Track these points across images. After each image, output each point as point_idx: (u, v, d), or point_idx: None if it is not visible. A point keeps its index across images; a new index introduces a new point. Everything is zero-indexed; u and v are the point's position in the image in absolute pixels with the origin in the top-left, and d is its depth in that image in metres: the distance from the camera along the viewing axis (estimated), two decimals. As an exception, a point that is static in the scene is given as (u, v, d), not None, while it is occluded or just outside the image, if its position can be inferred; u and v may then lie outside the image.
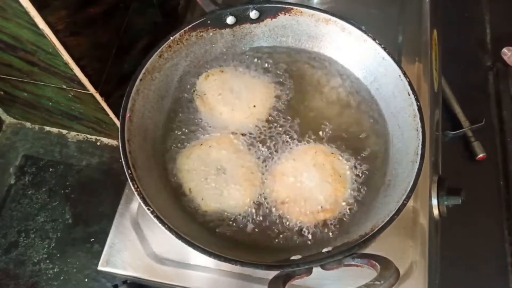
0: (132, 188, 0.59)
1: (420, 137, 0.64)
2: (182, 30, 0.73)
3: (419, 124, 0.65)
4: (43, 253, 1.07)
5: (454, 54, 1.24)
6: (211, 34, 0.75)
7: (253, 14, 0.75)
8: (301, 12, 0.75)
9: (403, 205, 0.59)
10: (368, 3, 0.94)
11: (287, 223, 0.66)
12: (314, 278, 0.60)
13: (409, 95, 0.68)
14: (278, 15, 0.76)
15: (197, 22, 0.73)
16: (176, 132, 0.72)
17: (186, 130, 0.72)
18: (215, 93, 0.74)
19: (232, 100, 0.74)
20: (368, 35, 0.72)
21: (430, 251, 0.72)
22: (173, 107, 0.74)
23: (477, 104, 1.28)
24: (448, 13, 1.31)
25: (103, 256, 0.73)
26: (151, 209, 0.58)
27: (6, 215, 1.11)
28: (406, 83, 0.68)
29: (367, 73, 0.76)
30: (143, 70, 0.68)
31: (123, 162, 0.61)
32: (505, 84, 1.29)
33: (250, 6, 0.75)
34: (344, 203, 0.67)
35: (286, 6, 0.75)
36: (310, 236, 0.65)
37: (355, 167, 0.70)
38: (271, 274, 0.57)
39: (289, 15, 0.76)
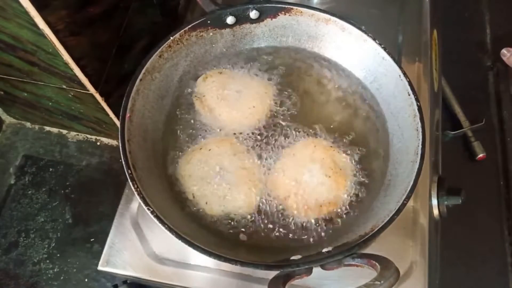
0: (132, 188, 0.59)
1: (420, 137, 0.64)
2: (182, 30, 0.73)
3: (419, 124, 0.65)
4: (43, 253, 1.07)
5: (454, 54, 1.24)
6: (211, 34, 0.75)
7: (253, 14, 0.75)
8: (301, 12, 0.75)
9: (403, 205, 0.59)
10: (368, 3, 0.94)
11: (291, 218, 0.67)
12: (314, 278, 0.60)
13: (409, 95, 0.68)
14: (278, 15, 0.76)
15: (197, 22, 0.73)
16: (176, 133, 0.72)
17: (187, 132, 0.72)
18: (214, 94, 0.73)
19: (231, 101, 0.73)
20: (368, 35, 0.72)
21: (430, 251, 0.72)
22: (173, 107, 0.74)
23: (477, 104, 1.28)
24: (448, 13, 1.31)
25: (103, 256, 0.73)
26: (151, 209, 0.58)
27: (6, 215, 1.11)
28: (406, 83, 0.68)
29: (367, 73, 0.76)
30: (143, 70, 0.68)
31: (123, 162, 0.61)
32: (505, 84, 1.29)
33: (250, 6, 0.75)
34: (346, 195, 0.68)
35: (286, 6, 0.75)
36: (315, 231, 0.66)
37: (355, 160, 0.70)
38: (271, 274, 0.57)
39: (289, 15, 0.76)
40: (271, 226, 0.66)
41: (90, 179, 1.15)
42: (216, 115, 0.73)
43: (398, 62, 0.70)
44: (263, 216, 0.67)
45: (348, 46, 0.75)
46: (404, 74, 0.69)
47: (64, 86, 0.89)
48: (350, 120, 0.74)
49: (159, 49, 0.71)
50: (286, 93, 0.76)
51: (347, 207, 0.67)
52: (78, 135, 1.20)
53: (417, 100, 0.67)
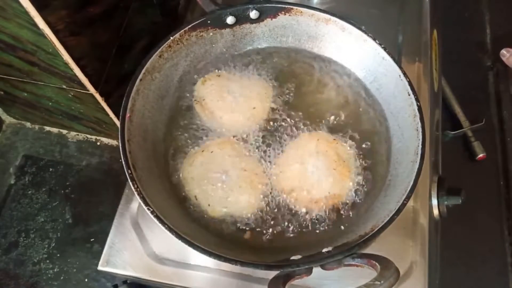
0: (132, 188, 0.59)
1: (420, 137, 0.64)
2: (182, 30, 0.73)
3: (419, 124, 0.65)
4: (43, 253, 1.07)
5: (454, 54, 1.24)
6: (211, 34, 0.75)
7: (253, 14, 0.75)
8: (301, 12, 0.75)
9: (403, 205, 0.59)
10: (368, 3, 0.94)
11: (297, 212, 0.67)
12: (314, 278, 0.60)
13: (409, 95, 0.68)
14: (278, 15, 0.76)
15: (197, 22, 0.73)
16: (177, 135, 0.72)
17: (188, 134, 0.72)
18: (214, 97, 0.73)
19: (231, 104, 0.73)
20: (368, 35, 0.72)
21: (430, 251, 0.72)
22: (173, 108, 0.74)
23: (477, 104, 1.28)
24: (448, 13, 1.31)
25: (103, 256, 0.73)
26: (151, 209, 0.58)
27: (6, 215, 1.11)
28: (406, 83, 0.68)
29: (367, 73, 0.76)
30: (143, 70, 0.68)
31: (123, 162, 0.61)
32: (505, 84, 1.29)
33: (250, 6, 0.75)
34: (351, 187, 0.68)
35: (286, 6, 0.75)
36: (321, 223, 0.66)
37: (358, 153, 0.71)
38: (271, 274, 0.57)
39: (289, 15, 0.76)
40: (275, 222, 0.67)
41: (90, 179, 1.15)
42: (217, 118, 0.73)
43: (398, 62, 0.70)
44: (267, 215, 0.67)
45: (348, 46, 0.75)
46: (404, 74, 0.69)
47: (64, 86, 0.89)
48: (350, 120, 0.74)
49: (159, 49, 0.71)
50: (286, 93, 0.76)
51: (352, 197, 0.68)
52: (78, 135, 1.20)
53: (417, 100, 0.67)
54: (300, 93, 0.76)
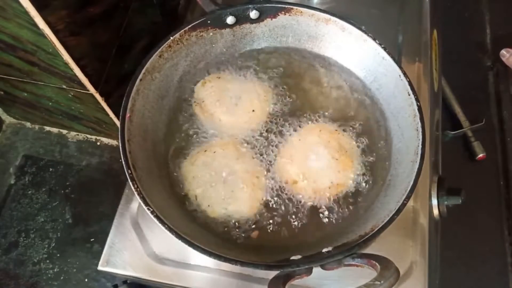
0: (132, 188, 0.59)
1: (420, 137, 0.64)
2: (182, 30, 0.73)
3: (419, 124, 0.65)
4: (43, 253, 1.07)
5: (454, 54, 1.24)
6: (211, 34, 0.75)
7: (253, 14, 0.75)
8: (301, 12, 0.75)
9: (403, 205, 0.59)
10: (368, 3, 0.94)
11: (300, 202, 0.67)
12: (314, 278, 0.60)
13: (409, 95, 0.68)
14: (278, 15, 0.76)
15: (197, 22, 0.73)
16: (177, 137, 0.72)
17: (188, 135, 0.72)
18: (213, 100, 0.73)
19: (231, 106, 0.73)
20: (368, 35, 0.72)
21: (430, 251, 0.72)
22: (173, 108, 0.74)
23: (477, 104, 1.28)
24: (448, 13, 1.31)
25: (103, 256, 0.73)
26: (151, 209, 0.58)
27: (6, 215, 1.11)
28: (406, 83, 0.68)
29: (367, 73, 0.76)
30: (143, 70, 0.68)
31: (123, 162, 0.61)
32: (505, 84, 1.29)
33: (250, 6, 0.75)
34: (353, 176, 0.69)
35: (286, 6, 0.75)
36: (326, 213, 0.67)
37: (360, 143, 0.71)
38: (271, 274, 0.57)
39: (289, 15, 0.76)
40: (279, 218, 0.67)
41: (90, 179, 1.15)
42: (216, 120, 0.73)
43: (398, 62, 0.70)
44: (270, 212, 0.67)
45: (348, 46, 0.75)
46: (404, 74, 0.69)
47: (64, 86, 0.89)
48: (350, 120, 0.74)
49: (159, 49, 0.71)
50: (286, 94, 0.76)
51: (357, 180, 0.69)
52: (78, 135, 1.19)
53: (417, 100, 0.67)
54: (299, 93, 0.76)
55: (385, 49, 0.71)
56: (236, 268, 0.69)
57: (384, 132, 0.72)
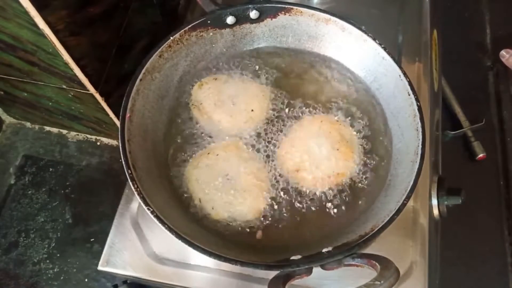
0: (132, 188, 0.59)
1: (420, 137, 0.64)
2: (182, 30, 0.73)
3: (419, 124, 0.65)
4: (43, 253, 1.07)
5: (454, 54, 1.24)
6: (211, 34, 0.75)
7: (253, 14, 0.75)
8: (301, 12, 0.75)
9: (403, 205, 0.59)
10: (368, 3, 0.94)
11: (304, 195, 0.68)
12: (314, 278, 0.60)
13: (409, 95, 0.68)
14: (278, 15, 0.76)
15: (197, 22, 0.73)
16: (177, 137, 0.72)
17: (188, 135, 0.72)
18: (211, 101, 0.73)
19: (229, 107, 0.73)
20: (368, 35, 0.72)
21: (430, 251, 0.72)
22: (173, 108, 0.74)
23: (477, 104, 1.28)
24: (448, 13, 1.31)
25: (103, 256, 0.73)
26: (151, 209, 0.58)
27: (6, 215, 1.11)
28: (406, 83, 0.68)
29: (367, 73, 0.76)
30: (143, 70, 0.68)
31: (123, 162, 0.61)
32: (505, 84, 1.29)
33: (250, 6, 0.75)
34: (354, 166, 0.69)
35: (286, 6, 0.75)
36: (329, 205, 0.67)
37: (361, 134, 0.72)
38: (271, 274, 0.57)
39: (289, 15, 0.76)
40: (285, 215, 0.67)
41: (90, 179, 1.15)
42: (215, 121, 0.73)
43: (398, 62, 0.70)
44: (274, 211, 0.67)
45: (348, 46, 0.75)
46: (404, 74, 0.69)
47: (64, 86, 0.89)
48: (350, 120, 0.74)
49: (159, 49, 0.71)
50: (286, 93, 0.76)
51: (358, 170, 0.69)
52: (78, 135, 1.19)
53: (417, 100, 0.67)
54: (299, 93, 0.76)
55: (385, 49, 0.71)
56: (236, 268, 0.69)
57: (384, 132, 0.72)
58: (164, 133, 0.72)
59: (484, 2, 1.43)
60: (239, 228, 0.66)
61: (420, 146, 0.63)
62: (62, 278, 1.05)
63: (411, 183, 0.60)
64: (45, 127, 1.21)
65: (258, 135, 0.72)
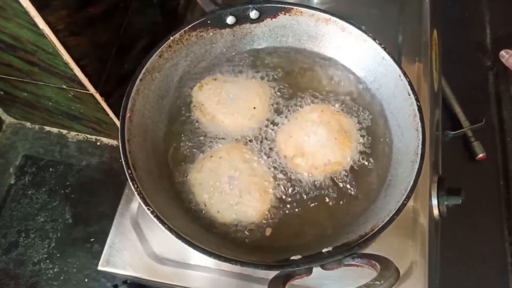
0: (132, 188, 0.59)
1: (420, 137, 0.64)
2: (182, 30, 0.73)
3: (419, 124, 0.65)
4: (43, 253, 1.07)
5: (454, 54, 1.24)
6: (211, 34, 0.75)
7: (253, 14, 0.75)
8: (301, 12, 0.75)
9: (403, 205, 0.59)
10: (368, 3, 0.94)
11: (301, 180, 0.69)
12: (314, 278, 0.60)
13: (409, 95, 0.68)
14: (278, 15, 0.76)
15: (197, 22, 0.74)
16: (177, 137, 0.72)
17: (188, 135, 0.72)
18: (213, 102, 0.73)
19: (231, 106, 0.73)
20: (368, 35, 0.72)
21: (430, 251, 0.72)
22: (173, 108, 0.74)
23: (477, 104, 1.28)
24: (448, 13, 1.31)
25: (103, 256, 0.73)
26: (151, 209, 0.58)
27: (6, 215, 1.11)
28: (406, 83, 0.68)
29: (367, 73, 0.76)
30: (143, 70, 0.68)
31: (123, 162, 0.61)
32: (505, 84, 1.29)
33: (250, 6, 0.75)
34: (351, 156, 0.70)
35: (286, 6, 0.75)
36: (325, 190, 0.68)
37: (359, 123, 0.73)
38: (271, 274, 0.57)
39: (289, 15, 0.76)
40: (288, 223, 0.67)
41: (90, 179, 1.15)
42: (218, 122, 0.73)
43: (398, 62, 0.70)
44: (277, 220, 0.67)
45: (348, 46, 0.75)
46: (404, 74, 0.69)
47: (64, 86, 0.89)
48: (349, 120, 0.74)
49: (159, 49, 0.71)
50: (286, 92, 0.76)
51: (354, 160, 0.70)
52: (78, 135, 1.19)
53: (417, 100, 0.67)
54: (299, 92, 0.76)
55: (385, 49, 0.71)
56: (236, 268, 0.69)
57: (383, 132, 0.72)
58: (164, 133, 0.72)
59: (484, 2, 1.43)
60: (245, 229, 0.66)
61: (420, 146, 0.63)
62: (62, 278, 1.05)
63: (411, 183, 0.60)
64: (45, 127, 1.21)
65: (261, 132, 0.72)
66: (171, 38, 0.72)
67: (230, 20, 0.75)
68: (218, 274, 0.71)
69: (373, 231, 0.58)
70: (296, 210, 0.68)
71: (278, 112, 0.74)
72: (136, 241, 0.73)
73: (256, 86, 0.75)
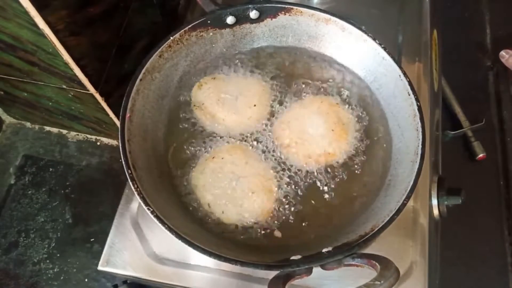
0: (132, 188, 0.59)
1: (420, 137, 0.64)
2: (182, 30, 0.73)
3: (419, 124, 0.65)
4: (43, 253, 1.07)
5: (454, 54, 1.24)
6: (211, 34, 0.75)
7: (253, 14, 0.75)
8: (301, 12, 0.75)
9: (403, 205, 0.59)
10: (368, 3, 0.94)
11: (294, 167, 0.69)
12: (314, 278, 0.60)
13: (409, 95, 0.68)
14: (278, 15, 0.76)
15: (197, 22, 0.74)
16: (177, 137, 0.72)
17: (188, 135, 0.72)
18: (213, 101, 0.73)
19: (232, 105, 0.73)
20: (368, 35, 0.72)
21: (430, 251, 0.72)
22: (173, 108, 0.74)
23: (477, 104, 1.28)
24: (448, 13, 1.31)
25: (103, 256, 0.73)
26: (151, 209, 0.58)
27: (6, 215, 1.11)
28: (406, 83, 0.68)
29: (367, 73, 0.76)
30: (143, 70, 0.68)
31: (123, 162, 0.61)
32: (505, 84, 1.29)
33: (250, 6, 0.75)
34: (346, 149, 0.70)
35: (286, 6, 0.75)
36: (319, 180, 0.69)
37: (358, 119, 0.73)
38: (271, 274, 0.57)
39: (289, 15, 0.76)
40: (292, 210, 0.67)
41: (90, 179, 1.15)
42: (219, 121, 0.73)
43: (398, 62, 0.70)
44: (283, 219, 0.67)
45: (348, 46, 0.75)
46: (404, 74, 0.69)
47: (64, 86, 0.89)
48: (349, 120, 0.74)
49: (159, 49, 0.71)
50: (285, 91, 0.76)
51: (349, 154, 0.70)
52: (78, 135, 1.19)
53: (417, 100, 0.67)
54: (299, 92, 0.76)
55: (385, 49, 0.71)
56: (236, 268, 0.69)
57: (384, 132, 0.72)
58: (164, 133, 0.72)
59: (484, 2, 1.43)
60: (247, 229, 0.66)
61: (420, 146, 0.63)
62: (62, 278, 1.05)
63: (411, 183, 0.60)
64: (45, 127, 1.21)
65: (261, 130, 0.72)
66: (171, 38, 0.72)
67: (230, 20, 0.75)
68: (218, 274, 0.71)
69: (373, 231, 0.58)
70: (297, 209, 0.68)
71: (276, 109, 0.74)
72: (136, 241, 0.73)
73: (256, 85, 0.75)
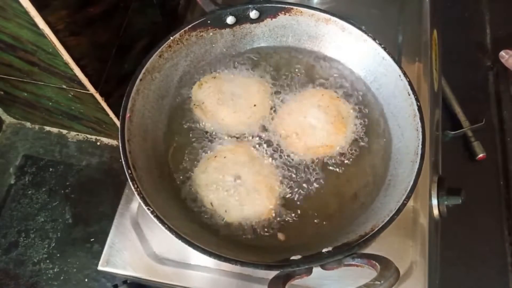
0: (132, 188, 0.59)
1: (420, 137, 0.64)
2: (182, 30, 0.73)
3: (419, 124, 0.65)
4: (43, 253, 1.07)
5: (454, 54, 1.24)
6: (211, 34, 0.75)
7: (253, 14, 0.75)
8: (301, 12, 0.75)
9: (403, 205, 0.59)
10: (368, 3, 0.94)
11: (295, 165, 0.70)
12: (314, 278, 0.60)
13: (409, 95, 0.68)
14: (278, 15, 0.76)
15: (197, 22, 0.74)
16: (178, 137, 0.72)
17: (188, 135, 0.72)
18: (213, 100, 0.73)
19: (232, 104, 0.73)
20: (368, 35, 0.72)
21: (430, 251, 0.72)
22: (173, 108, 0.74)
23: (477, 104, 1.28)
24: (448, 13, 1.31)
25: (103, 256, 0.73)
26: (151, 209, 0.58)
27: (6, 215, 1.11)
28: (406, 83, 0.68)
29: (367, 73, 0.76)
30: (143, 70, 0.68)
31: (123, 162, 0.61)
32: (505, 84, 1.29)
33: (250, 6, 0.75)
34: (344, 143, 0.71)
35: (286, 6, 0.75)
36: (315, 172, 0.69)
37: (358, 115, 0.74)
38: (271, 274, 0.57)
39: (289, 15, 0.76)
40: (293, 209, 0.67)
41: (90, 179, 1.15)
42: (219, 119, 0.73)
43: (398, 62, 0.70)
44: (288, 218, 0.67)
45: (348, 46, 0.75)
46: (404, 74, 0.69)
47: (64, 86, 0.89)
48: (349, 120, 0.74)
49: (159, 49, 0.71)
50: (285, 91, 0.76)
51: (347, 148, 0.71)
52: (78, 135, 1.19)
53: (417, 100, 0.67)
54: (299, 91, 0.76)
55: (385, 49, 0.71)
56: (236, 268, 0.69)
57: (383, 132, 0.72)
58: (164, 133, 0.72)
59: (484, 2, 1.43)
60: (249, 228, 0.66)
61: (420, 146, 0.63)
62: (62, 278, 1.05)
63: (411, 183, 0.60)
64: (45, 127, 1.21)
65: (262, 129, 0.72)
66: (171, 38, 0.72)
67: (230, 20, 0.75)
68: (218, 274, 0.71)
69: (373, 231, 0.58)
70: (298, 208, 0.68)
71: (276, 109, 0.74)
72: (136, 241, 0.73)
73: (256, 84, 0.75)
